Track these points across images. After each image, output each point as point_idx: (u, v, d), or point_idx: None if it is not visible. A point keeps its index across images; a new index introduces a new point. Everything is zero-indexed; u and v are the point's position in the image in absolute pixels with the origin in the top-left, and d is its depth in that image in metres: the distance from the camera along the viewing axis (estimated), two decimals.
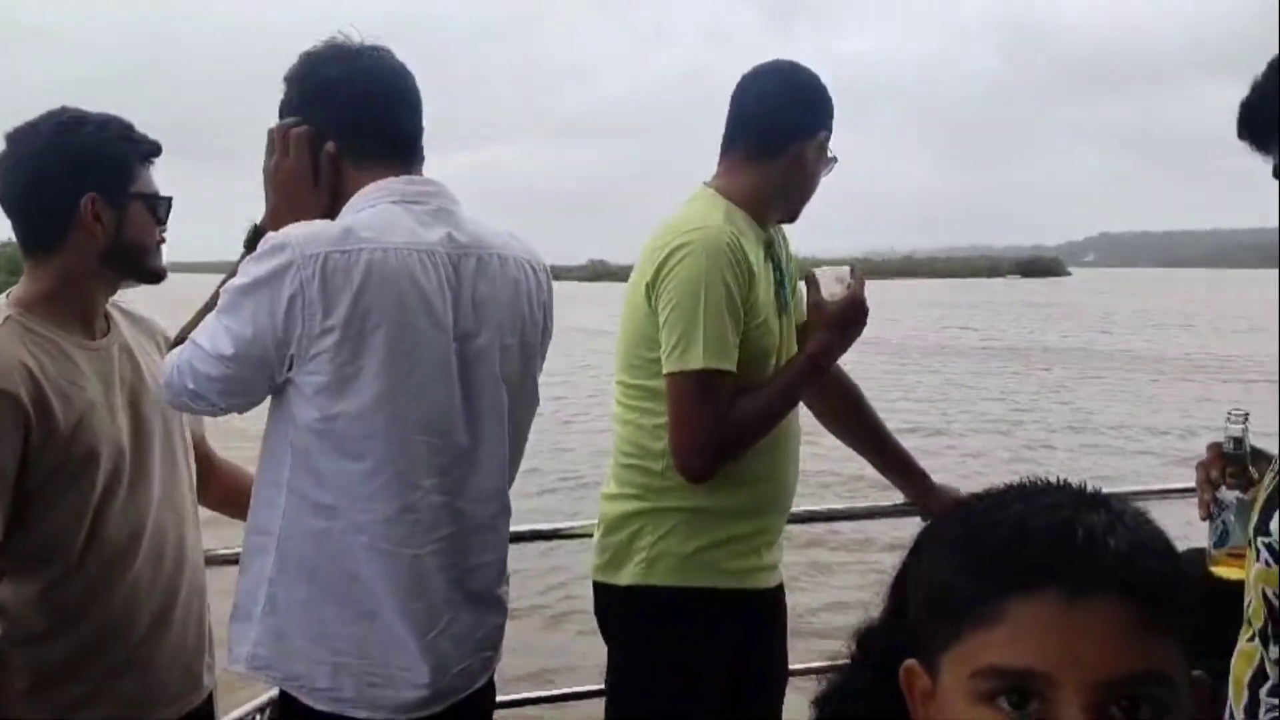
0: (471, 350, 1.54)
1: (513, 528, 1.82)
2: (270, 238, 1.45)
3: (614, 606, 1.82)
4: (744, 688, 1.83)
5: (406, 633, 1.50)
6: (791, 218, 1.90)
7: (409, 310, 1.46)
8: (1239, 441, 1.42)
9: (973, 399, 17.37)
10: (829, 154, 1.84)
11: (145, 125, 1.63)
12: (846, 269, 1.77)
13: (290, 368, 1.45)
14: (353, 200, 1.54)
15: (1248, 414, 1.43)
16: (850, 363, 1.96)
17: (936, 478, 2.14)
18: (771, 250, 1.84)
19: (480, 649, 1.61)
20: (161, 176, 1.68)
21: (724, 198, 1.79)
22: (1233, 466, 1.41)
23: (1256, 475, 1.38)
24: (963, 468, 11.01)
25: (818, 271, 1.78)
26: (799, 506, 2.07)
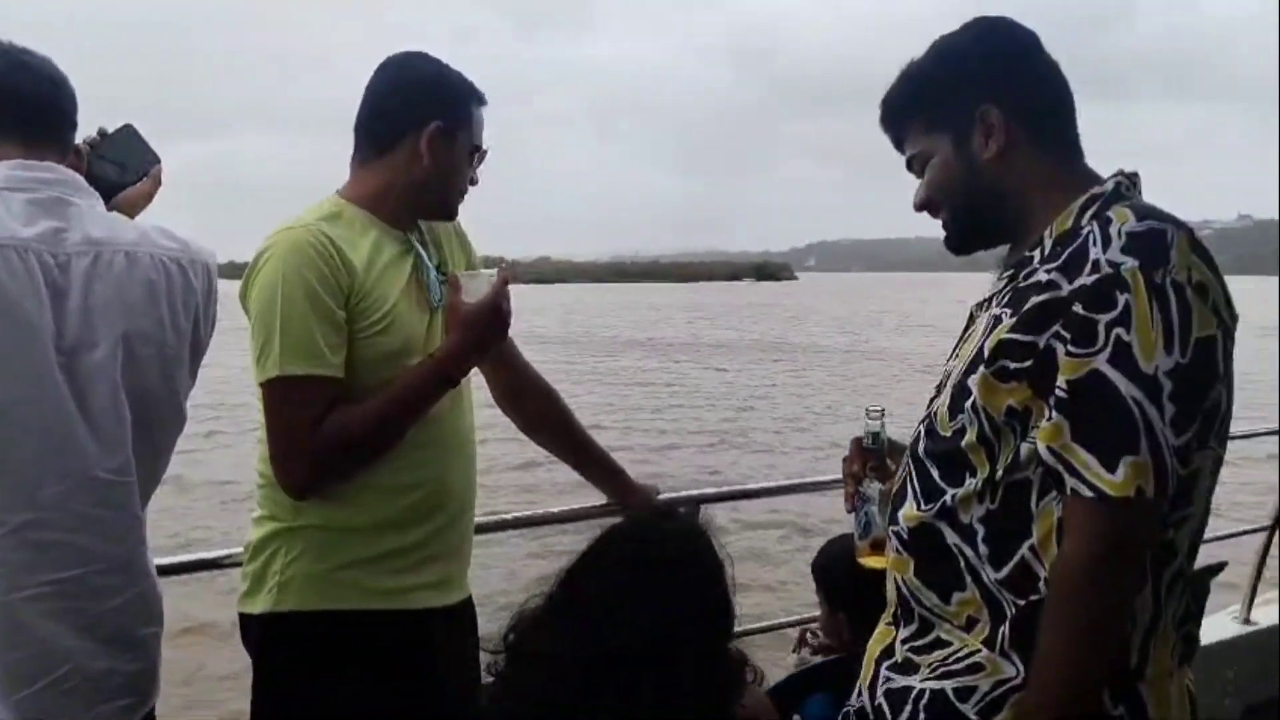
0: (86, 363, 1.35)
1: (165, 559, 1.64)
2: None
3: (253, 637, 1.66)
4: (442, 708, 1.72)
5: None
6: (442, 214, 1.77)
7: None
8: (876, 436, 1.48)
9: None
10: (474, 144, 1.72)
11: None
12: (493, 270, 1.70)
13: None
14: None
15: (884, 409, 1.51)
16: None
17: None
18: (414, 249, 1.71)
19: (112, 698, 1.43)
20: None
21: (344, 200, 1.68)
22: (872, 460, 1.47)
23: (894, 467, 1.45)
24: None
25: (460, 274, 1.69)
26: (490, 515, 2.00)
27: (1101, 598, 1.11)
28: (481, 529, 1.91)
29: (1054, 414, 1.12)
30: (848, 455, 1.51)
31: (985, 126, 1.25)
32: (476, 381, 1.82)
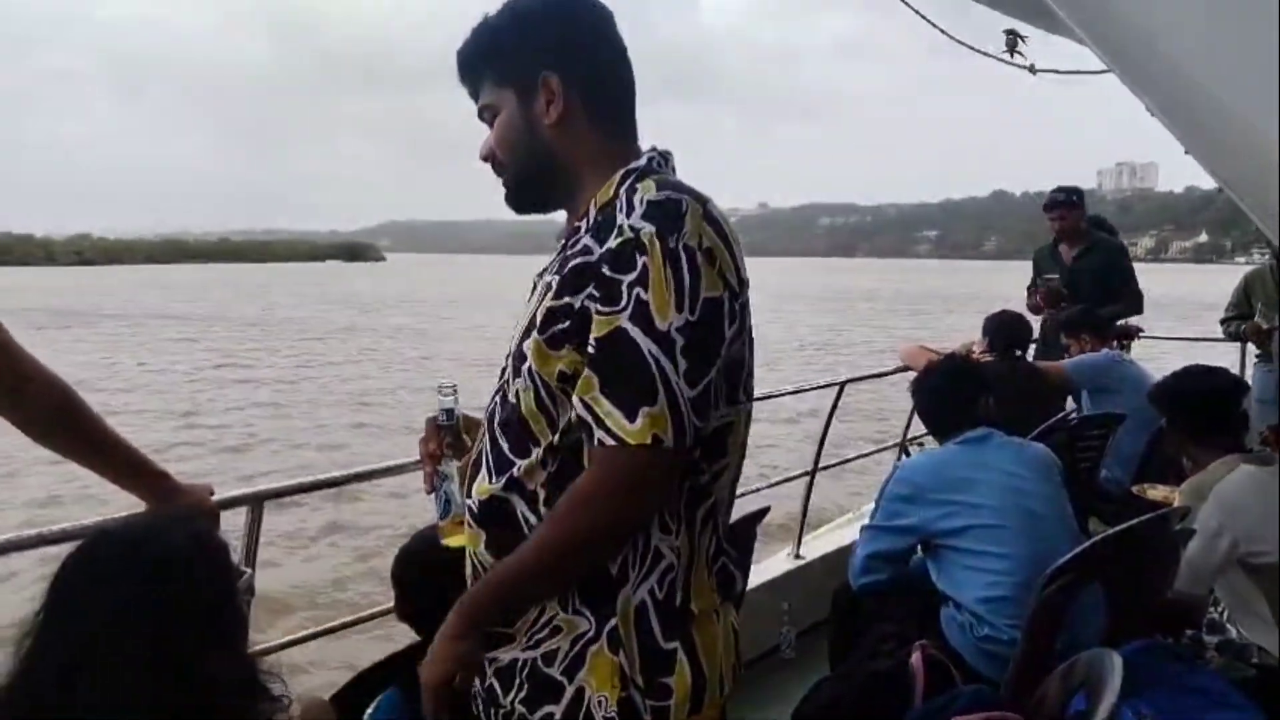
0: None
1: None
2: None
3: None
4: None
5: None
6: None
7: None
8: (450, 413, 1.43)
9: None
10: None
11: None
12: None
13: None
14: None
15: (456, 385, 1.45)
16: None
17: None
18: None
19: None
20: None
21: None
22: (448, 437, 1.42)
23: (470, 442, 1.39)
24: None
25: None
26: None
27: (592, 524, 1.16)
28: None
29: (586, 369, 1.16)
30: (422, 436, 1.45)
31: (547, 92, 1.28)
32: None
